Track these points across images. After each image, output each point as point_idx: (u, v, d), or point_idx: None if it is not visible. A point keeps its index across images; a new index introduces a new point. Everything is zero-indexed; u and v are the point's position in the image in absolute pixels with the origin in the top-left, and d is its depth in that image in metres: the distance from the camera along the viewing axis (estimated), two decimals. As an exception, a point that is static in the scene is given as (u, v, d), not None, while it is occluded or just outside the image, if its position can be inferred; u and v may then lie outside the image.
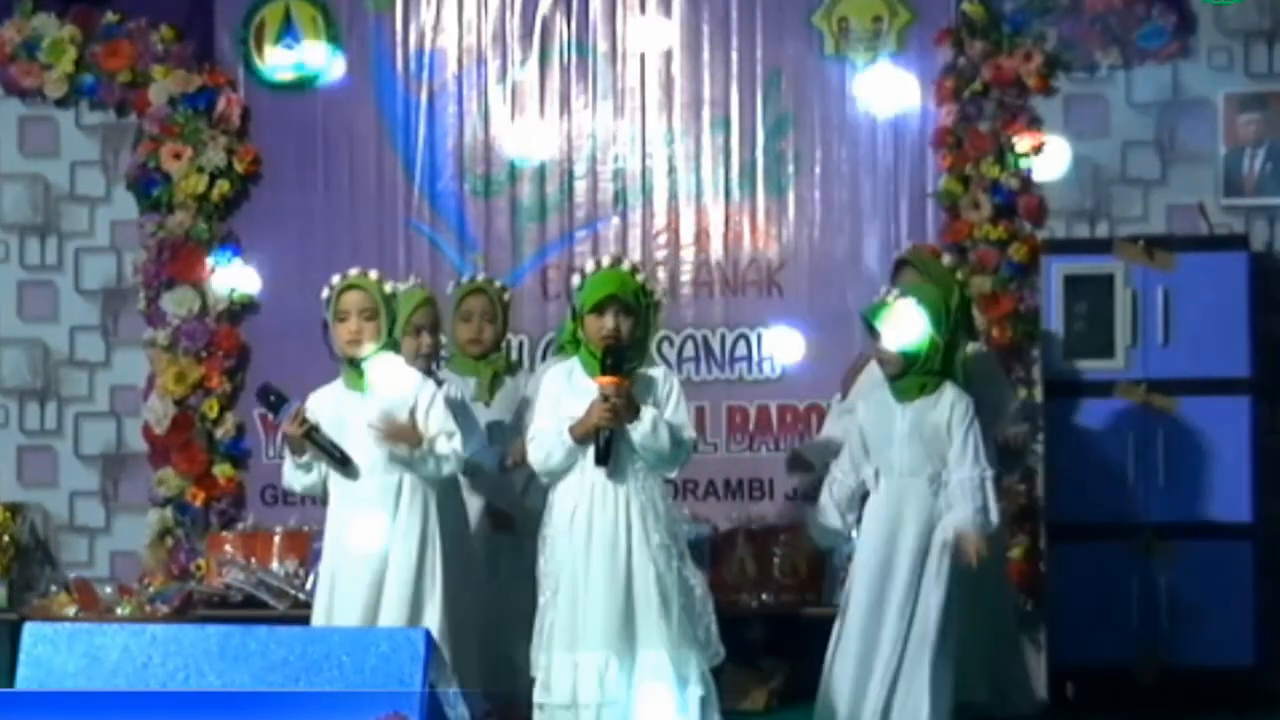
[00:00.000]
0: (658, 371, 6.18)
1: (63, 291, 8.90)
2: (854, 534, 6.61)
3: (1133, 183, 8.35)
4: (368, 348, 6.20)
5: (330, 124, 8.74)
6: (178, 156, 8.68)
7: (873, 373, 6.91)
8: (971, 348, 6.97)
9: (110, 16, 8.80)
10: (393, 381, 6.22)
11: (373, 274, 6.29)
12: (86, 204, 8.89)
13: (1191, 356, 7.77)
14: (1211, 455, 7.69)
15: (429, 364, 6.77)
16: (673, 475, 6.25)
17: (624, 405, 5.97)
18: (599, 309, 6.07)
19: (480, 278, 7.50)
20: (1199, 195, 8.22)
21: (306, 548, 8.36)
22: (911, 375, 6.45)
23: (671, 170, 8.58)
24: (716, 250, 8.52)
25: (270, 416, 6.17)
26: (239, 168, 8.72)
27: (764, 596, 8.16)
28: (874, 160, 8.46)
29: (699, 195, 8.55)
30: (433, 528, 6.23)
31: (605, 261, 6.25)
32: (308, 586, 8.24)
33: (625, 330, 6.05)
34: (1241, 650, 7.64)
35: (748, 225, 8.53)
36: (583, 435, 6.03)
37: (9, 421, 8.90)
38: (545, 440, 6.11)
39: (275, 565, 8.34)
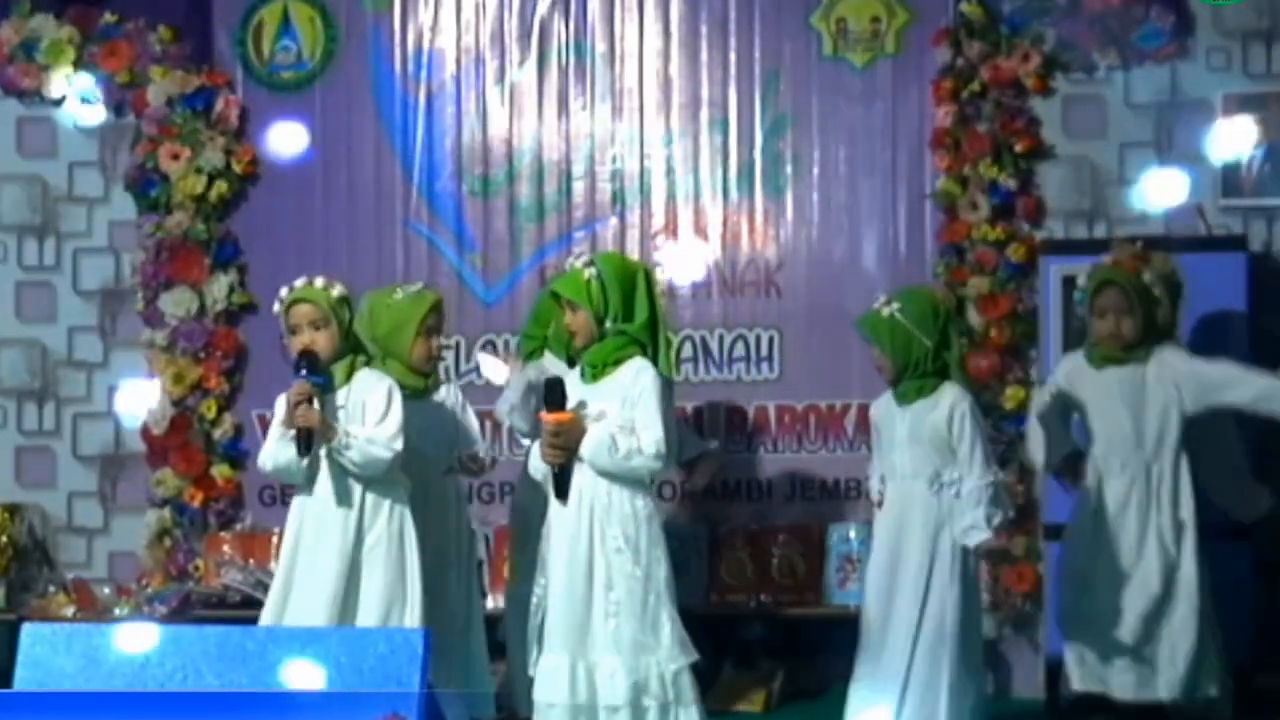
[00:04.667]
0: (633, 367, 6.10)
1: (61, 292, 8.90)
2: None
3: (1131, 183, 8.36)
4: (326, 356, 6.22)
5: (329, 124, 8.75)
6: (176, 157, 8.69)
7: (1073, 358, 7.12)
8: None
9: (108, 17, 8.80)
10: (363, 384, 6.24)
11: (318, 282, 6.29)
12: (85, 204, 8.89)
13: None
14: (1210, 455, 7.67)
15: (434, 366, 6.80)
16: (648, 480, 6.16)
17: (567, 441, 6.00)
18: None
19: None
20: (1197, 196, 8.23)
21: (305, 548, 8.37)
22: (907, 379, 6.53)
23: (669, 171, 8.58)
24: (715, 251, 8.52)
25: (306, 379, 6.11)
26: (237, 168, 8.72)
27: (762, 597, 8.17)
28: (872, 161, 8.46)
29: (697, 196, 8.56)
30: (392, 531, 6.22)
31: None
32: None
33: (579, 324, 6.13)
34: (1239, 650, 7.64)
35: (746, 226, 8.53)
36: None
37: (7, 422, 8.90)
38: (532, 456, 6.21)
39: (273, 566, 8.30)
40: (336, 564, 6.14)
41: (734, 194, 8.53)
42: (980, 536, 6.41)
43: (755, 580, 8.19)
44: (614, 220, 8.60)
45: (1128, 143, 8.36)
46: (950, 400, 6.48)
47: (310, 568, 6.18)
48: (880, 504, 6.68)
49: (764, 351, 8.46)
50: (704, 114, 8.56)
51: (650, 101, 8.60)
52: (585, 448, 6.00)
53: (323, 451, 6.15)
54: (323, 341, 6.21)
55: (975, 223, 8.29)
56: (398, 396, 6.23)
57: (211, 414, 8.67)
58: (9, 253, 8.91)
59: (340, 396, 6.20)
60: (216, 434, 8.69)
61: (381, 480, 6.20)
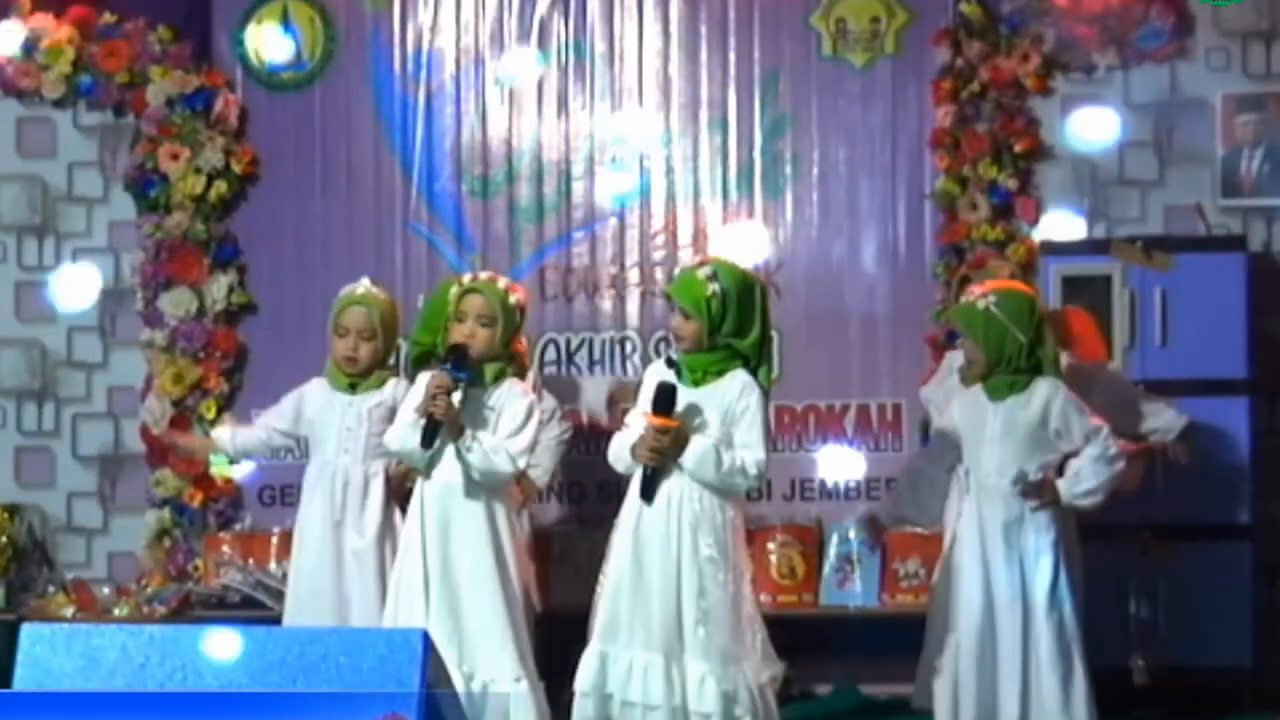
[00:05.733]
0: (737, 381, 6.01)
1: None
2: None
3: (1130, 183, 8.36)
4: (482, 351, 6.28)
5: (328, 125, 8.75)
6: (175, 157, 8.69)
7: (951, 362, 7.00)
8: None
9: (108, 17, 8.80)
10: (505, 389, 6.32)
11: (501, 282, 6.40)
12: (84, 205, 8.89)
13: (1189, 357, 7.77)
14: (1210, 456, 7.68)
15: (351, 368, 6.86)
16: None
17: (669, 447, 5.92)
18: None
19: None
20: (1197, 196, 8.23)
21: (304, 548, 8.36)
22: (999, 374, 6.46)
23: (669, 171, 8.58)
24: (714, 251, 8.51)
25: (449, 371, 6.18)
26: (237, 168, 8.72)
27: (761, 597, 8.15)
28: (872, 161, 8.46)
29: (696, 196, 8.55)
30: (493, 527, 6.28)
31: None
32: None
33: (688, 332, 6.03)
34: (1239, 651, 7.65)
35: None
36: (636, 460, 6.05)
37: (6, 422, 8.89)
38: (618, 446, 6.10)
39: (273, 566, 8.33)
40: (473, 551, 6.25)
41: (733, 194, 8.53)
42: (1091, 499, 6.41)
43: (755, 580, 8.15)
44: (614, 220, 8.60)
45: (1127, 143, 8.35)
46: (1044, 394, 6.39)
47: (436, 552, 6.26)
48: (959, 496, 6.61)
49: (763, 351, 8.45)
50: (703, 114, 8.56)
51: (650, 101, 8.60)
52: (689, 458, 5.93)
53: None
54: (482, 337, 6.27)
55: (975, 223, 8.29)
56: (536, 416, 6.31)
57: (211, 414, 8.66)
58: (9, 253, 8.90)
59: (487, 396, 6.25)
60: (216, 434, 8.69)
61: (494, 489, 6.27)
